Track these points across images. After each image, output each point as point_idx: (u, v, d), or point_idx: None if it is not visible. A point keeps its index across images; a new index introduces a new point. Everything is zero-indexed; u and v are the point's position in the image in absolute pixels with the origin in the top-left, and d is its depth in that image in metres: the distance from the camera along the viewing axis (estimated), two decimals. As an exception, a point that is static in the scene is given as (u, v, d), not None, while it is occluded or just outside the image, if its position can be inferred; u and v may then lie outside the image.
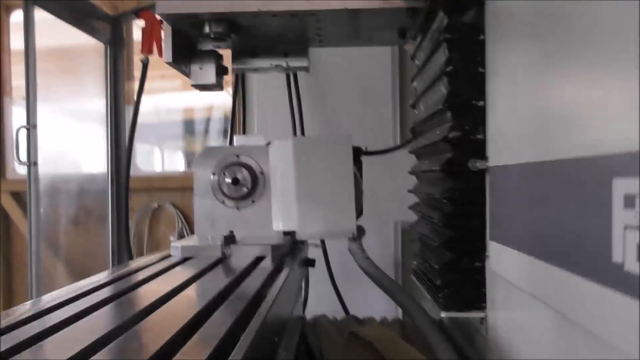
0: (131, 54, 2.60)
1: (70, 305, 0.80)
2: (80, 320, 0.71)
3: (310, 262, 1.46)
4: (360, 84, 1.97)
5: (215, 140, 3.05)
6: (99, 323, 0.72)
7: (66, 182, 2.36)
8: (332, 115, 1.97)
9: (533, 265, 0.59)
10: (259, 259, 1.18)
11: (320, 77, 1.94)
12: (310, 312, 1.91)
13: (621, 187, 0.39)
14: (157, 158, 3.23)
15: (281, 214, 1.29)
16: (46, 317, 0.73)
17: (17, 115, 2.87)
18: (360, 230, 1.38)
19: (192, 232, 2.28)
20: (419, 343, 0.93)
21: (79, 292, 0.88)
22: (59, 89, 2.33)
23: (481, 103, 0.83)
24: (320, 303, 1.92)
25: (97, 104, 2.37)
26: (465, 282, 0.86)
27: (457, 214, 0.86)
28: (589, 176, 0.44)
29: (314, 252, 1.52)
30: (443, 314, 0.85)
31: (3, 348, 0.60)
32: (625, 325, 0.39)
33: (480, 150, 0.83)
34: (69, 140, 2.39)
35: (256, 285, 0.94)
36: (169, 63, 1.05)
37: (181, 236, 2.55)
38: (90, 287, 0.92)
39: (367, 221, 2.04)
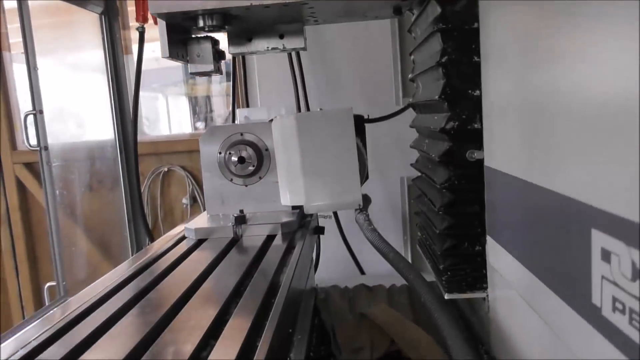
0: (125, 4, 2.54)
1: (106, 303, 0.86)
2: (127, 315, 0.79)
3: (320, 230, 1.51)
4: (361, 47, 1.95)
5: (217, 83, 3.05)
6: (148, 315, 0.79)
7: (76, 151, 2.40)
8: (335, 80, 1.96)
9: (523, 274, 0.63)
10: (270, 238, 1.23)
11: (320, 44, 1.91)
12: (322, 271, 2.00)
13: (599, 239, 0.42)
14: (162, 104, 3.24)
15: (288, 189, 1.32)
16: (86, 320, 0.79)
17: (18, 72, 2.87)
18: (367, 200, 1.42)
19: (203, 193, 2.33)
20: (425, 314, 0.99)
21: (111, 287, 0.94)
22: (55, 43, 2.30)
23: (477, 92, 0.84)
24: (331, 262, 2.01)
25: (95, 56, 2.35)
26: (466, 266, 0.90)
27: (457, 201, 0.89)
28: (573, 215, 0.47)
29: (324, 221, 1.56)
30: (446, 296, 0.90)
31: (58, 355, 0.67)
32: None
33: (477, 139, 0.85)
34: (71, 97, 2.39)
35: (272, 267, 1.00)
36: (165, 57, 1.05)
37: (193, 197, 2.61)
38: (121, 280, 0.98)
39: (374, 178, 2.08)
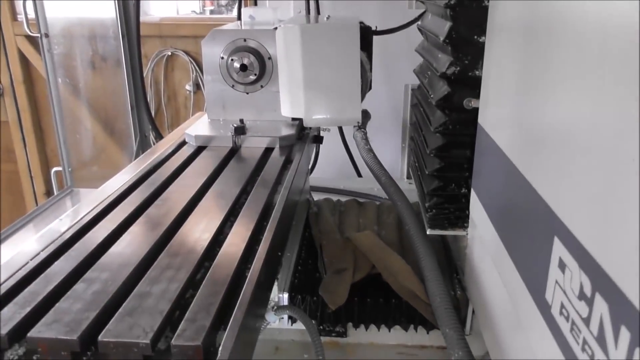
0: None
1: (117, 209, 0.92)
2: (141, 217, 0.88)
3: (319, 140, 1.54)
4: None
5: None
6: (161, 217, 0.88)
7: (79, 26, 2.33)
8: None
9: (493, 236, 0.66)
10: (268, 150, 1.26)
11: None
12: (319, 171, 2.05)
13: (559, 249, 0.45)
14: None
15: (289, 100, 1.32)
16: (99, 226, 0.86)
17: None
18: (366, 116, 1.43)
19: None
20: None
21: (117, 194, 0.99)
22: None
23: (483, 39, 0.82)
24: (330, 161, 2.06)
25: None
26: (451, 205, 0.94)
27: (449, 145, 0.90)
28: (542, 214, 0.49)
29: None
30: (428, 232, 0.95)
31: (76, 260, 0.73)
32: (545, 349, 0.48)
33: (476, 86, 0.84)
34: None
35: (268, 186, 1.04)
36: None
37: (196, 84, 2.58)
38: (127, 186, 1.03)
39: (380, 83, 2.05)
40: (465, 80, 0.85)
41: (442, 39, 0.83)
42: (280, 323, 1.00)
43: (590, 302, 0.39)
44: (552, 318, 0.46)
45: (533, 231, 0.52)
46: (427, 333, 1.01)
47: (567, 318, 0.43)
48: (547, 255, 0.47)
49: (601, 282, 0.37)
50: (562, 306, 0.44)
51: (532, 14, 0.55)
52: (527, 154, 0.56)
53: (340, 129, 2.05)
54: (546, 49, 0.51)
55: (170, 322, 0.65)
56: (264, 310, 0.89)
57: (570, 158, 0.45)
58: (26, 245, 0.83)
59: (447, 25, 0.83)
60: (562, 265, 0.44)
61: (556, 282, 0.45)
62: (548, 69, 0.51)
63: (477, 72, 0.84)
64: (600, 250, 0.38)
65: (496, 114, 0.72)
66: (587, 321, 0.39)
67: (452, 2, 0.81)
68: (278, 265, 0.95)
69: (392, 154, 2.19)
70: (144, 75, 2.48)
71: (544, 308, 0.48)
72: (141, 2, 2.06)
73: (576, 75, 0.44)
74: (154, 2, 2.80)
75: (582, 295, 0.40)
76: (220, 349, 0.60)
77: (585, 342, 0.39)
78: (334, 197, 1.48)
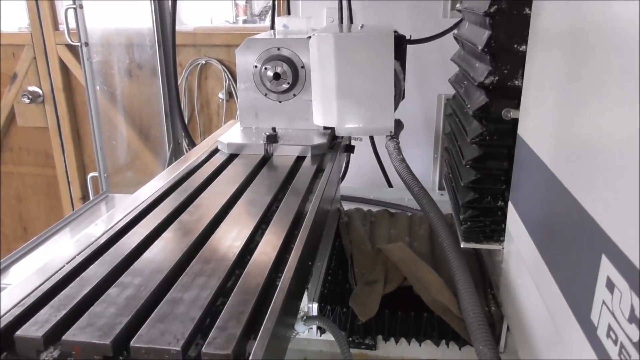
0: None
1: (150, 215, 0.93)
2: (174, 223, 0.88)
3: (350, 149, 1.53)
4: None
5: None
6: (193, 224, 0.88)
7: (117, 35, 2.39)
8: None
9: (533, 252, 0.64)
10: (300, 158, 1.26)
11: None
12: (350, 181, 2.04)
13: (606, 267, 0.43)
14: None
15: (321, 109, 1.32)
16: (133, 231, 0.86)
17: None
18: (399, 126, 1.41)
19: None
20: (441, 249, 1.02)
21: (150, 201, 1.00)
22: None
23: (523, 47, 0.79)
24: (361, 170, 2.04)
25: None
26: (486, 218, 0.91)
27: (486, 156, 0.88)
28: (588, 230, 0.47)
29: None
30: (463, 245, 0.92)
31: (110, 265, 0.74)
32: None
33: (515, 97, 0.82)
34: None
35: (299, 195, 1.03)
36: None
37: (229, 93, 2.61)
38: (160, 193, 1.04)
39: (413, 92, 2.03)
40: (503, 90, 0.83)
41: (480, 47, 0.82)
42: (309, 333, 0.99)
43: (642, 325, 0.36)
44: (598, 340, 0.44)
45: (578, 248, 0.49)
46: (460, 349, 0.98)
47: (615, 341, 0.41)
48: (593, 274, 0.45)
49: (655, 304, 0.35)
50: (610, 328, 0.42)
51: (579, 20, 0.53)
52: (571, 166, 0.54)
53: (372, 138, 2.04)
54: (593, 56, 0.49)
55: (201, 329, 0.64)
56: (294, 319, 0.88)
57: (618, 170, 0.43)
58: (62, 249, 0.84)
59: (486, 33, 0.81)
60: (610, 285, 0.42)
61: (603, 302, 0.43)
62: (596, 77, 0.49)
63: (516, 82, 0.82)
64: (654, 270, 0.35)
65: (538, 124, 0.70)
66: (638, 346, 0.37)
67: (491, 11, 0.79)
68: (308, 275, 0.94)
69: (424, 164, 2.16)
70: (178, 83, 2.52)
71: (589, 329, 0.46)
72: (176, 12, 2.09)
73: (627, 83, 0.42)
74: (188, 12, 2.85)
75: (632, 318, 0.38)
76: (250, 358, 0.59)
77: (636, 367, 0.37)
78: (365, 207, 1.46)
